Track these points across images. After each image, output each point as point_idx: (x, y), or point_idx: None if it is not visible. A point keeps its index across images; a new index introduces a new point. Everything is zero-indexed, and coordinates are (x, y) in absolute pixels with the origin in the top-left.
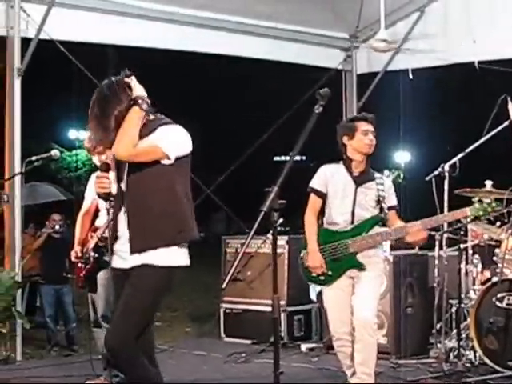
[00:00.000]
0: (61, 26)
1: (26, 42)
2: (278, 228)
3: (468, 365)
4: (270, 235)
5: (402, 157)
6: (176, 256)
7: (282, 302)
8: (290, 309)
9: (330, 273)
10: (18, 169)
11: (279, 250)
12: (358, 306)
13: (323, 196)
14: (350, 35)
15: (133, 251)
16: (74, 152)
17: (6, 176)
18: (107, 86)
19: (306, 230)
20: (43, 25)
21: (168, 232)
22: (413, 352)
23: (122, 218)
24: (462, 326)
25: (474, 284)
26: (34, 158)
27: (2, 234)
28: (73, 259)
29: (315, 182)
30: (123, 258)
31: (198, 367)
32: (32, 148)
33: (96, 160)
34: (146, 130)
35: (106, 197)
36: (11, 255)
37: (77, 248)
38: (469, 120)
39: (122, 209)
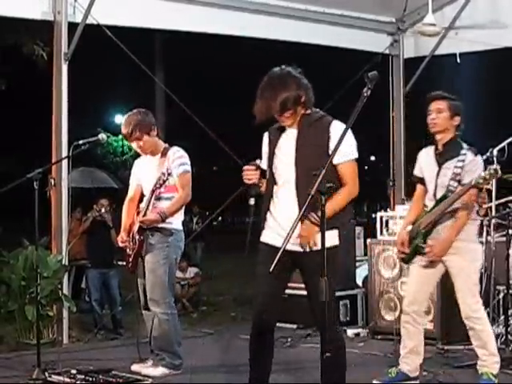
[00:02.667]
0: (108, 11)
1: (73, 26)
2: None
3: None
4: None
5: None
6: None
7: None
8: (336, 293)
9: (407, 250)
10: (64, 153)
11: None
12: (458, 300)
13: (422, 181)
14: (397, 19)
15: None
16: (120, 137)
17: (53, 160)
18: (278, 73)
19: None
20: (90, 9)
21: (343, 216)
22: (460, 338)
23: (289, 201)
24: (509, 312)
25: None
26: (81, 142)
27: (49, 217)
28: (119, 244)
29: (415, 169)
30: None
31: (244, 351)
32: (78, 133)
33: (135, 146)
34: (307, 121)
35: (253, 189)
36: (58, 239)
37: (122, 233)
38: None
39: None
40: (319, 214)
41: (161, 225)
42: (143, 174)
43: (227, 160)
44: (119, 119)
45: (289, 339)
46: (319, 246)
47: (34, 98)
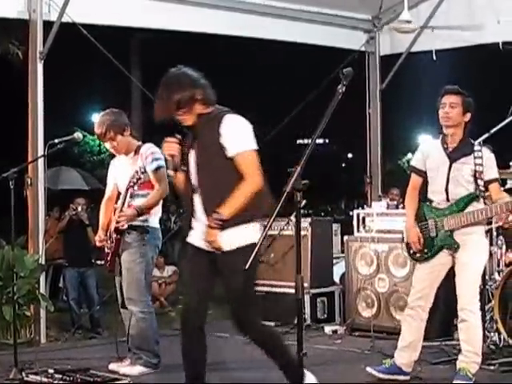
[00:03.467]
0: (83, 9)
1: (48, 25)
2: (302, 210)
3: (492, 347)
4: (293, 217)
5: (426, 139)
6: (250, 233)
7: (306, 284)
8: (313, 291)
9: (425, 250)
10: (40, 152)
11: (302, 232)
12: (457, 292)
13: (422, 173)
14: (373, 17)
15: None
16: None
17: (29, 159)
18: (174, 73)
19: (405, 208)
20: (65, 8)
21: (239, 213)
22: (437, 334)
23: (200, 207)
24: (486, 307)
25: (498, 266)
26: (56, 141)
27: (25, 217)
28: (97, 244)
29: (414, 160)
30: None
31: (220, 349)
32: (54, 132)
33: (109, 146)
34: (205, 120)
35: (172, 161)
36: (35, 238)
37: (100, 232)
38: (493, 101)
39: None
40: (216, 215)
41: (137, 223)
42: (119, 173)
43: None
44: (96, 118)
45: None
46: (232, 246)
47: (10, 97)
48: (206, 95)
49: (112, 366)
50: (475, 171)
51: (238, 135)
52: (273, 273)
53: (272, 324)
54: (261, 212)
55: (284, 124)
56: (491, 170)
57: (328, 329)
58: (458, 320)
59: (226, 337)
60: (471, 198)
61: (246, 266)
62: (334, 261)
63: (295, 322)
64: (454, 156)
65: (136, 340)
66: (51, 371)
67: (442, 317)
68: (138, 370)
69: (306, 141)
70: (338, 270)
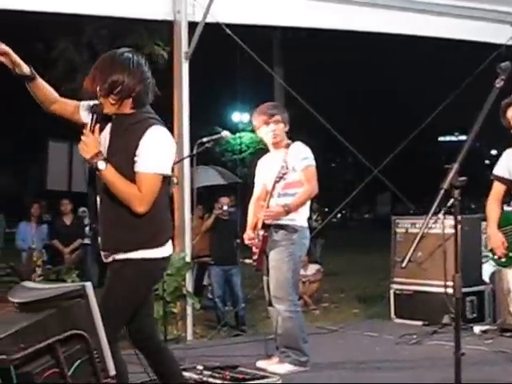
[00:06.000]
0: (227, 9)
1: (192, 25)
2: (447, 209)
3: None
4: (441, 215)
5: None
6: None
7: None
8: (462, 290)
9: (510, 254)
10: (186, 151)
11: (450, 231)
12: None
13: (505, 181)
14: None
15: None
16: (237, 135)
17: (176, 159)
18: (129, 57)
19: (486, 216)
20: (209, 8)
21: (135, 240)
22: None
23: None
24: None
25: None
26: (205, 140)
27: (172, 215)
28: (246, 242)
29: (497, 168)
30: None
31: (371, 348)
32: (196, 131)
33: (269, 130)
34: (128, 120)
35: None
36: (181, 236)
37: (249, 231)
38: None
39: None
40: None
41: (285, 222)
42: (267, 170)
43: (345, 157)
44: (237, 117)
45: (414, 336)
46: (123, 256)
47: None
48: (142, 95)
49: (260, 364)
50: None
51: (150, 153)
52: (420, 272)
53: (419, 323)
54: (165, 237)
55: (427, 121)
56: None
57: (477, 329)
58: None
59: (375, 336)
60: None
61: (403, 264)
62: (483, 259)
63: (443, 321)
64: None
65: (283, 338)
66: (200, 367)
67: None
68: (286, 368)
69: (447, 138)
70: (487, 269)
